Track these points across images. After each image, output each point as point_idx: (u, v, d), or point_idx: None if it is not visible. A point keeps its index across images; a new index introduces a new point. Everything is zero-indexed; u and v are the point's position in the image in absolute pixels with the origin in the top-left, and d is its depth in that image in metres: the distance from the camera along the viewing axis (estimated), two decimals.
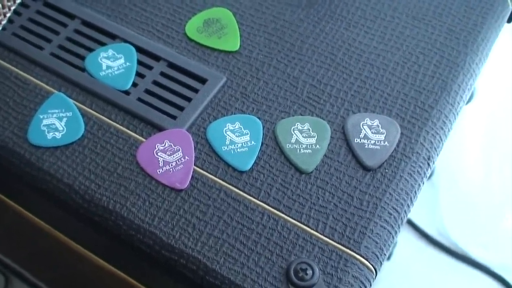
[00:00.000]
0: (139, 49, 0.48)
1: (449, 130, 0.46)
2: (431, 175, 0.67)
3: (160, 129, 0.44)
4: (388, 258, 0.92)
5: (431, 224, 0.99)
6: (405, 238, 0.97)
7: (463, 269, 0.95)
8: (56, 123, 0.44)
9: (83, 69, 0.47)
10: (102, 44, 0.48)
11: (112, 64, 0.47)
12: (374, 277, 0.40)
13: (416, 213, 0.98)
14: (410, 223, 0.99)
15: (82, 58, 0.48)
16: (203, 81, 0.47)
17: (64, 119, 0.44)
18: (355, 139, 0.43)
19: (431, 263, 0.96)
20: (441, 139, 0.45)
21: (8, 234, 0.70)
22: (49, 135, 0.43)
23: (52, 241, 0.52)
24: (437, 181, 1.00)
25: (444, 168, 1.01)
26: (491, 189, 1.01)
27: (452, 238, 0.97)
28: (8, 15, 0.46)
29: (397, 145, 0.43)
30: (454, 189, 1.01)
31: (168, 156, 0.42)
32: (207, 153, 0.43)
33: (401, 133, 0.44)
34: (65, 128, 0.44)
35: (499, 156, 1.04)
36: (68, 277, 0.71)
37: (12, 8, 0.44)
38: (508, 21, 0.55)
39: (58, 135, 0.43)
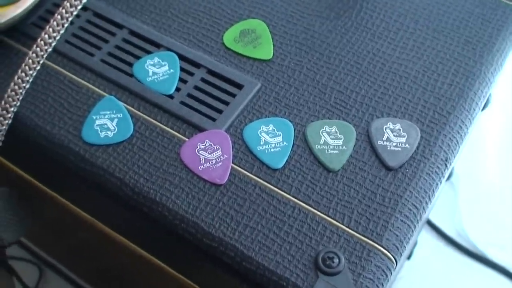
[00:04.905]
0: (182, 57, 0.52)
1: (465, 134, 0.49)
2: (449, 176, 0.70)
3: (201, 129, 0.48)
4: (408, 258, 0.94)
5: (450, 225, 1.00)
6: (424, 238, 0.99)
7: (481, 270, 0.96)
8: (108, 123, 0.48)
9: (131, 75, 0.51)
10: (148, 52, 0.52)
11: (158, 70, 0.51)
12: (394, 267, 0.43)
13: (435, 214, 0.99)
14: (430, 223, 1.00)
15: (130, 64, 0.52)
16: (239, 86, 0.50)
17: (115, 120, 0.48)
18: (379, 141, 0.47)
19: (450, 263, 0.97)
20: (458, 143, 0.48)
21: (49, 227, 0.74)
22: (102, 134, 0.48)
23: (94, 232, 0.56)
24: (457, 183, 1.02)
25: (463, 170, 1.03)
26: (510, 191, 1.03)
27: (471, 239, 0.98)
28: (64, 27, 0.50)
29: (417, 147, 0.47)
30: (473, 191, 1.03)
31: (209, 154, 0.46)
32: (244, 152, 0.47)
33: (421, 136, 0.47)
34: (116, 128, 0.48)
35: None
36: (103, 269, 0.74)
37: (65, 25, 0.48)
38: None
39: (110, 134, 0.48)
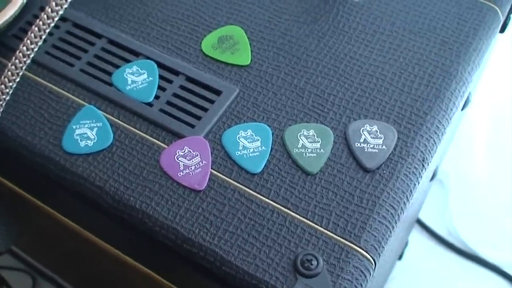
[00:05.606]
0: (160, 65, 0.52)
1: (442, 134, 0.50)
2: (433, 176, 0.70)
3: (180, 136, 0.48)
4: (400, 258, 0.95)
5: (441, 224, 1.01)
6: (415, 238, 1.00)
7: (473, 268, 0.97)
8: (88, 132, 0.49)
9: (110, 84, 0.52)
10: (127, 61, 0.53)
11: (137, 79, 0.51)
12: (373, 268, 0.44)
13: (426, 214, 1.00)
14: (421, 223, 1.01)
15: (109, 73, 0.52)
16: (218, 93, 0.51)
17: (95, 129, 0.49)
18: (356, 144, 0.48)
19: (441, 262, 0.98)
20: (435, 143, 0.49)
21: (38, 236, 0.74)
22: (82, 143, 0.48)
23: (80, 240, 0.56)
24: (447, 182, 1.03)
25: (453, 169, 1.04)
26: (499, 189, 1.04)
27: (461, 237, 0.99)
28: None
29: (394, 149, 0.47)
30: (463, 190, 1.04)
31: (188, 160, 0.47)
32: (223, 158, 0.47)
33: (398, 138, 0.48)
34: (96, 137, 0.48)
35: (505, 158, 1.07)
36: (93, 277, 0.75)
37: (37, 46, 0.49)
38: (501, 31, 0.59)
39: (90, 143, 0.48)
